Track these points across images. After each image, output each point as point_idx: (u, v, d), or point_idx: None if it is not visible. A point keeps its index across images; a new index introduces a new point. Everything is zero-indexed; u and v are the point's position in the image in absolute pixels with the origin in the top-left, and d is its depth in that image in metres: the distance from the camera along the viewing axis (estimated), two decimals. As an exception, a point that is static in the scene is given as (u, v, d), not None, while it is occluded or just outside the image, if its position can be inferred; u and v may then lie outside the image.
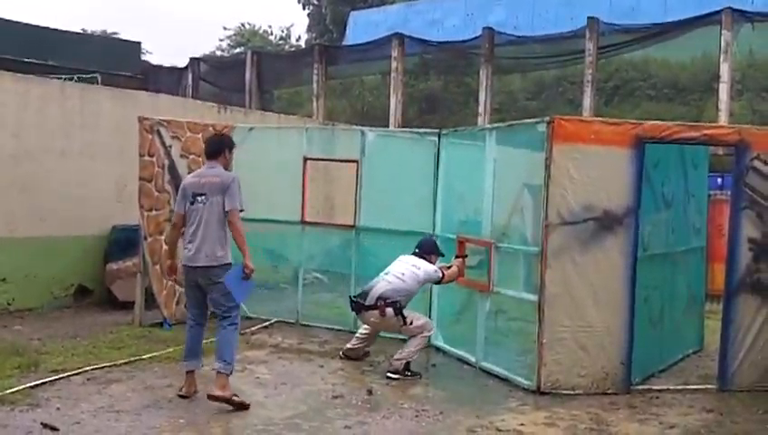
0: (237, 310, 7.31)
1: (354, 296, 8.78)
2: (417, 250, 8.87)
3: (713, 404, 7.67)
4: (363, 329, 9.05)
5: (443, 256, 9.07)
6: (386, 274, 8.62)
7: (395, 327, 8.59)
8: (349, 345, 9.07)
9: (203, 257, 7.09)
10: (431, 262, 8.77)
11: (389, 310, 8.38)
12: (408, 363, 8.37)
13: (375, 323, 8.65)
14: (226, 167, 7.54)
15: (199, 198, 7.15)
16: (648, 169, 8.04)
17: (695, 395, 7.95)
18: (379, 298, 8.43)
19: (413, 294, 8.62)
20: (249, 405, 7.03)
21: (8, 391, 6.98)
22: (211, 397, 6.97)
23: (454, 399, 7.58)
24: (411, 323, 8.48)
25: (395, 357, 8.40)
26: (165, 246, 8.76)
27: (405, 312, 8.46)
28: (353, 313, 8.88)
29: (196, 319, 7.41)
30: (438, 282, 8.82)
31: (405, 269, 8.58)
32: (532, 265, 8.29)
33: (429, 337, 8.89)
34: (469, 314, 9.38)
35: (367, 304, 8.50)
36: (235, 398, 7.00)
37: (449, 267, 8.85)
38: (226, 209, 7.09)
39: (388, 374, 8.29)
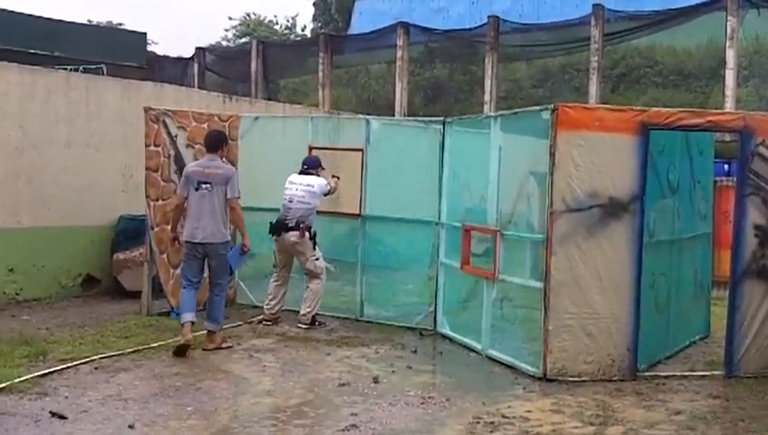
0: (227, 279, 9.01)
1: (276, 221, 9.80)
2: (305, 166, 10.04)
3: (719, 390, 7.67)
4: (273, 285, 10.02)
5: (324, 169, 10.22)
6: (290, 201, 9.75)
7: (304, 255, 9.77)
8: (267, 310, 9.98)
9: (209, 235, 8.54)
10: (318, 175, 9.98)
11: (308, 233, 9.70)
12: (313, 316, 9.82)
13: (291, 245, 9.76)
14: (222, 158, 8.97)
15: (204, 186, 8.56)
16: (653, 156, 8.03)
17: (701, 381, 7.95)
18: (298, 221, 9.65)
19: (316, 208, 9.89)
20: (233, 346, 8.77)
21: (17, 380, 7.02)
22: (206, 350, 8.57)
23: (460, 386, 7.59)
24: (317, 259, 9.83)
25: (302, 313, 9.78)
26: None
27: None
28: (271, 235, 9.85)
29: (191, 283, 8.77)
30: (328, 193, 10.08)
31: (304, 193, 9.78)
32: (537, 253, 8.29)
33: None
34: (475, 301, 9.39)
35: (290, 225, 9.66)
36: (223, 344, 8.74)
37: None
38: (228, 197, 8.60)
39: (299, 326, 9.71)
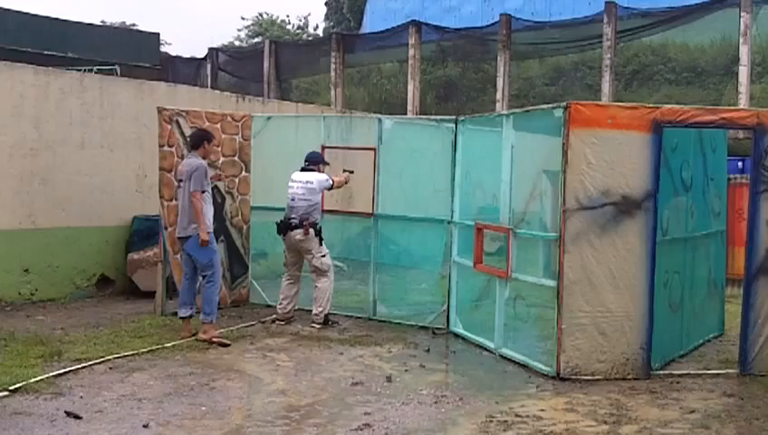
0: (214, 270, 9.03)
1: (281, 220, 9.92)
2: (306, 163, 10.10)
3: (733, 389, 7.64)
4: (285, 284, 10.12)
5: (328, 164, 10.40)
6: (292, 199, 9.86)
7: (310, 252, 9.83)
8: (280, 309, 10.08)
9: (181, 229, 9.06)
10: (320, 171, 10.10)
11: (312, 230, 9.75)
12: (326, 315, 9.89)
13: (297, 242, 9.82)
14: (206, 156, 9.27)
15: (180, 183, 9.10)
16: (666, 153, 8.00)
17: (715, 380, 7.92)
18: (301, 219, 9.75)
19: (319, 204, 9.96)
20: (230, 344, 8.75)
21: (32, 380, 7.06)
22: (198, 340, 8.83)
23: (473, 385, 7.59)
24: (323, 257, 9.87)
25: (314, 313, 9.87)
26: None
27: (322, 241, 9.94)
28: (279, 234, 9.96)
29: (187, 276, 9.20)
30: (330, 188, 10.10)
31: (303, 190, 9.87)
32: (550, 251, 8.27)
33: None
34: (488, 300, 9.39)
35: (294, 223, 9.76)
36: (214, 339, 8.80)
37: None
38: (190, 190, 8.84)
39: (312, 325, 9.79)
